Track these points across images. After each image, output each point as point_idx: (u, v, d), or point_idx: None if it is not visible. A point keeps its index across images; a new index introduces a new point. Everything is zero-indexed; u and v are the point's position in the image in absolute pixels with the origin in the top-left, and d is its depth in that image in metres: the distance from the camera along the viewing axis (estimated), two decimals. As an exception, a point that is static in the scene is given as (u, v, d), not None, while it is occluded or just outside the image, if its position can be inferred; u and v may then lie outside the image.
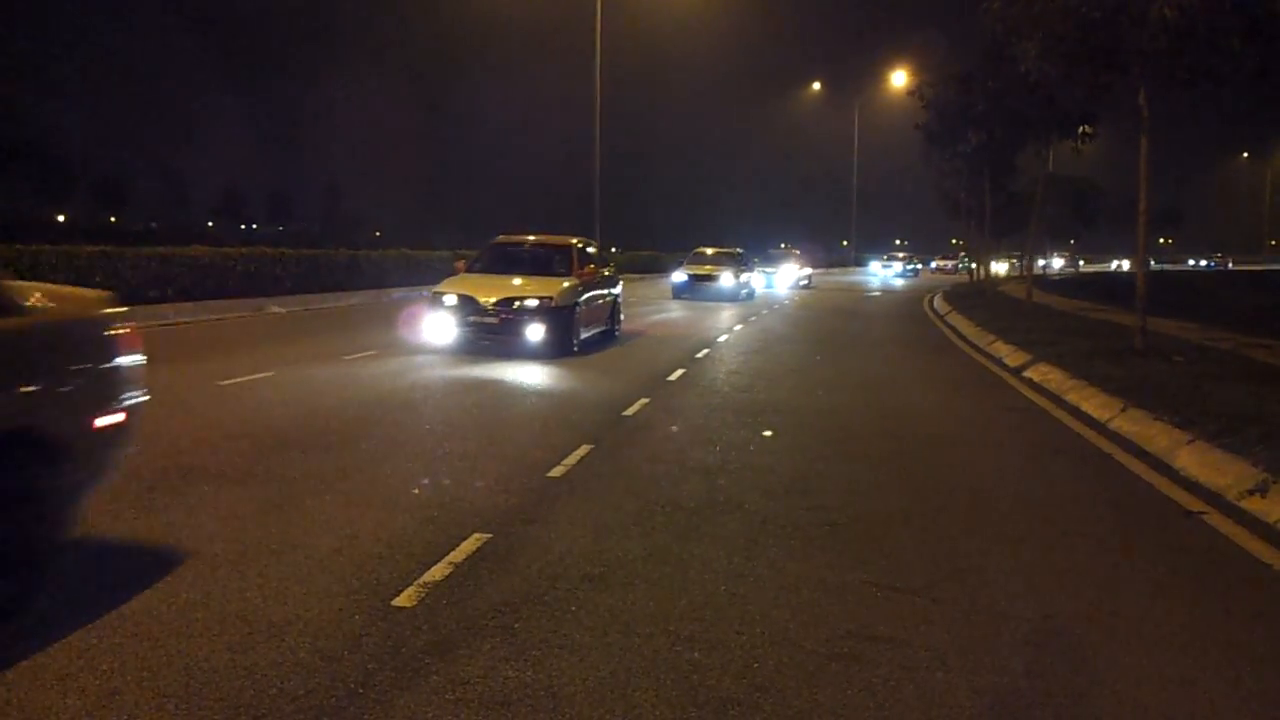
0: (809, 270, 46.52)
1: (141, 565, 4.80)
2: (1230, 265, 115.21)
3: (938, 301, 32.37)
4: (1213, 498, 6.79)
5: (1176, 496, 6.90)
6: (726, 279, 30.86)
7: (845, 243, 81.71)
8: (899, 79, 49.04)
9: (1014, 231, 45.44)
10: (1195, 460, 7.55)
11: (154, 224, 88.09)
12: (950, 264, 75.49)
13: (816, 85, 75.23)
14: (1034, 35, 13.58)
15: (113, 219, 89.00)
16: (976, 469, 7.82)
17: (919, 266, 71.66)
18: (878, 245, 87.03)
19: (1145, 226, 14.50)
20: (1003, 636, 4.32)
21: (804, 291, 40.94)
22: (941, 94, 28.58)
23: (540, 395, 10.70)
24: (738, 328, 19.82)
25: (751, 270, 34.17)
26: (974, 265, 43.78)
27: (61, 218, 79.49)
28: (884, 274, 63.03)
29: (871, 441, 8.74)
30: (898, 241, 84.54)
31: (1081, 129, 21.87)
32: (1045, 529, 6.07)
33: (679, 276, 31.63)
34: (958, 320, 23.13)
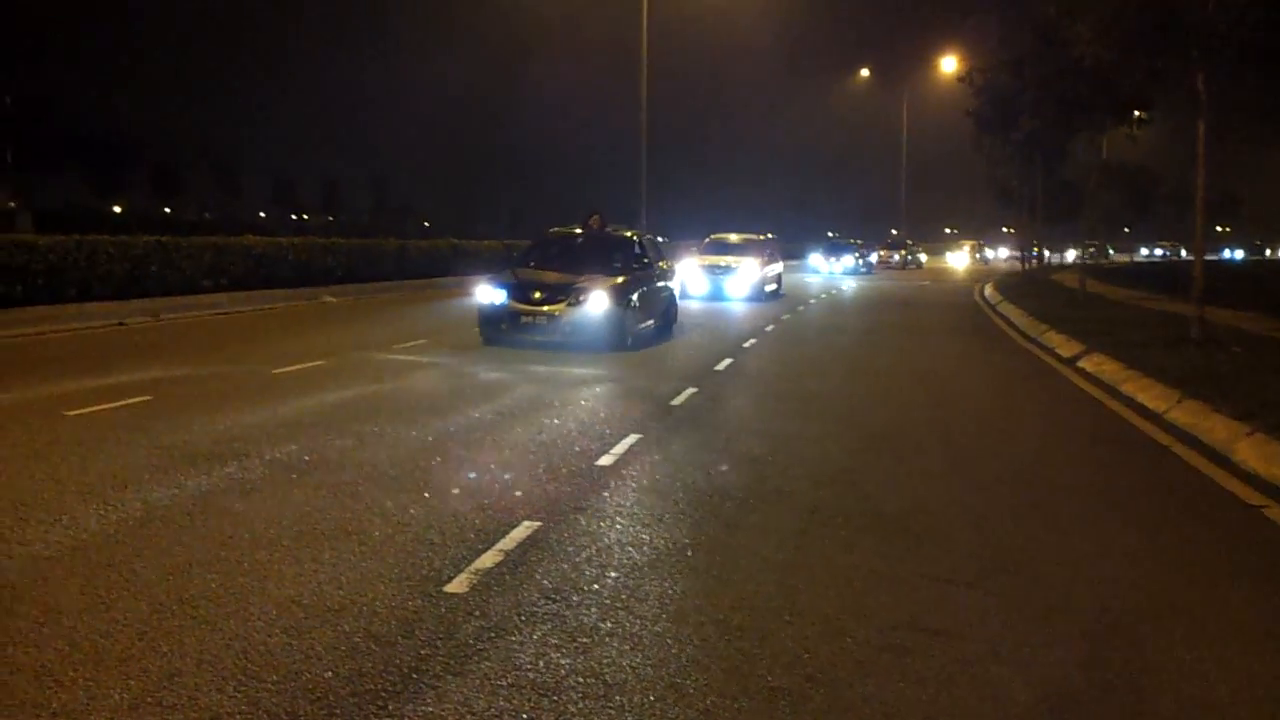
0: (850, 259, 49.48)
1: (200, 549, 4.89)
2: (1268, 253, 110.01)
3: (988, 291, 31.99)
4: (1274, 491, 6.64)
5: (1236, 490, 6.76)
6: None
7: (895, 231, 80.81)
8: (949, 65, 48.36)
9: (1067, 219, 44.73)
10: (1255, 453, 7.38)
11: (207, 214, 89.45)
12: (896, 256, 60.17)
13: (864, 72, 74.41)
14: (1088, 17, 13.34)
15: (167, 209, 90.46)
16: (1029, 459, 7.72)
17: (873, 259, 55.07)
18: (928, 233, 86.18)
19: (1202, 214, 14.20)
20: (1058, 629, 4.27)
21: (853, 279, 41.54)
22: (992, 80, 28.16)
23: (589, 385, 10.72)
24: (785, 316, 19.73)
25: (776, 261, 28.40)
26: (1032, 254, 43.11)
27: (118, 209, 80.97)
28: (829, 268, 48.61)
29: (921, 431, 8.67)
30: (830, 234, 67.05)
31: (1137, 114, 21.43)
32: (1101, 521, 5.98)
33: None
34: (1009, 310, 22.84)
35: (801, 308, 24.09)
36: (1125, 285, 32.92)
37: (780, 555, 5.11)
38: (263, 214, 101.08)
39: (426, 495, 6.00)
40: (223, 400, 8.81)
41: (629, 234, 16.25)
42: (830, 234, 54.51)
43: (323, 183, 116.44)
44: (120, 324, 14.92)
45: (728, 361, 12.96)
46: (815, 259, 50.22)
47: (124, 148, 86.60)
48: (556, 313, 13.29)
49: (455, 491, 6.12)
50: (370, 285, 24.31)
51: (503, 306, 13.48)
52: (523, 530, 5.32)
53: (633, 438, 7.80)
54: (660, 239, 26.92)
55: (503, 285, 13.80)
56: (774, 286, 27.51)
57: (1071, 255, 67.54)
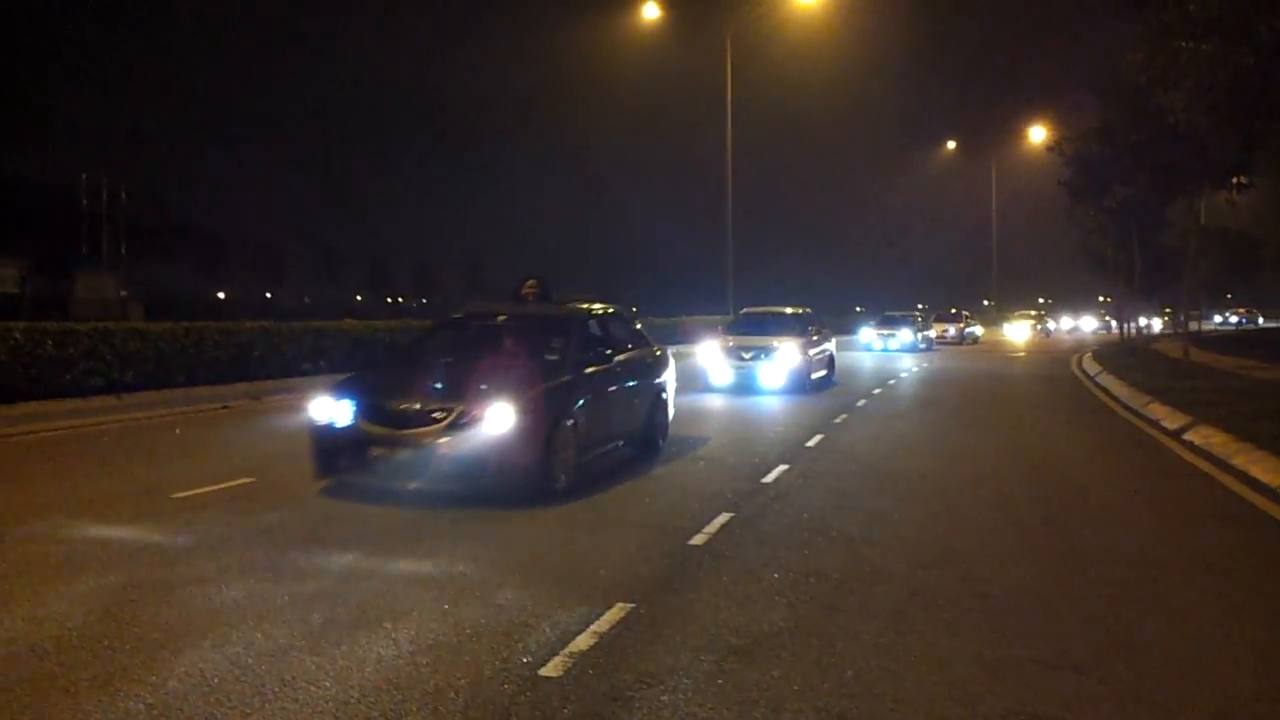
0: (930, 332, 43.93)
1: (300, 630, 4.96)
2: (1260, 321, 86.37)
3: (1087, 362, 31.20)
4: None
5: (1364, 569, 6.41)
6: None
7: (987, 301, 79.70)
8: (1037, 134, 47.98)
9: (1165, 287, 43.65)
10: (1383, 529, 7.00)
11: (307, 299, 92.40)
12: (952, 330, 49.89)
13: (951, 144, 74.30)
14: (1181, 85, 13.15)
15: (269, 294, 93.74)
16: (1137, 537, 7.43)
17: (931, 334, 44.39)
18: (1020, 302, 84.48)
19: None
20: (1178, 718, 4.07)
21: (913, 358, 35.11)
22: (1082, 148, 27.86)
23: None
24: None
25: (826, 340, 21.91)
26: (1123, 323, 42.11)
27: (222, 294, 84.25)
28: (883, 344, 39.21)
29: (1021, 508, 8.43)
30: (873, 309, 55.23)
31: (1236, 179, 20.95)
32: (1217, 602, 5.71)
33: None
34: (1109, 381, 22.23)
35: (863, 403, 17.71)
36: (1233, 353, 31.81)
37: (881, 639, 4.98)
38: (359, 297, 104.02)
39: (520, 574, 6.01)
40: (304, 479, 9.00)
41: (584, 308, 10.82)
42: (886, 312, 45.69)
43: (416, 266, 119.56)
44: (224, 407, 15.41)
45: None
46: (867, 334, 41.48)
47: (228, 236, 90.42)
48: (428, 441, 7.94)
49: (547, 571, 6.12)
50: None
51: (345, 431, 8.28)
52: (616, 612, 5.28)
53: (724, 516, 7.72)
54: (742, 312, 23.79)
55: (350, 392, 8.53)
56: (822, 372, 21.36)
57: (1158, 324, 63.34)
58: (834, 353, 22.54)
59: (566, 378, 9.07)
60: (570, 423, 8.67)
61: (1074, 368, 29.66)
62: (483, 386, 8.25)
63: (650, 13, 35.55)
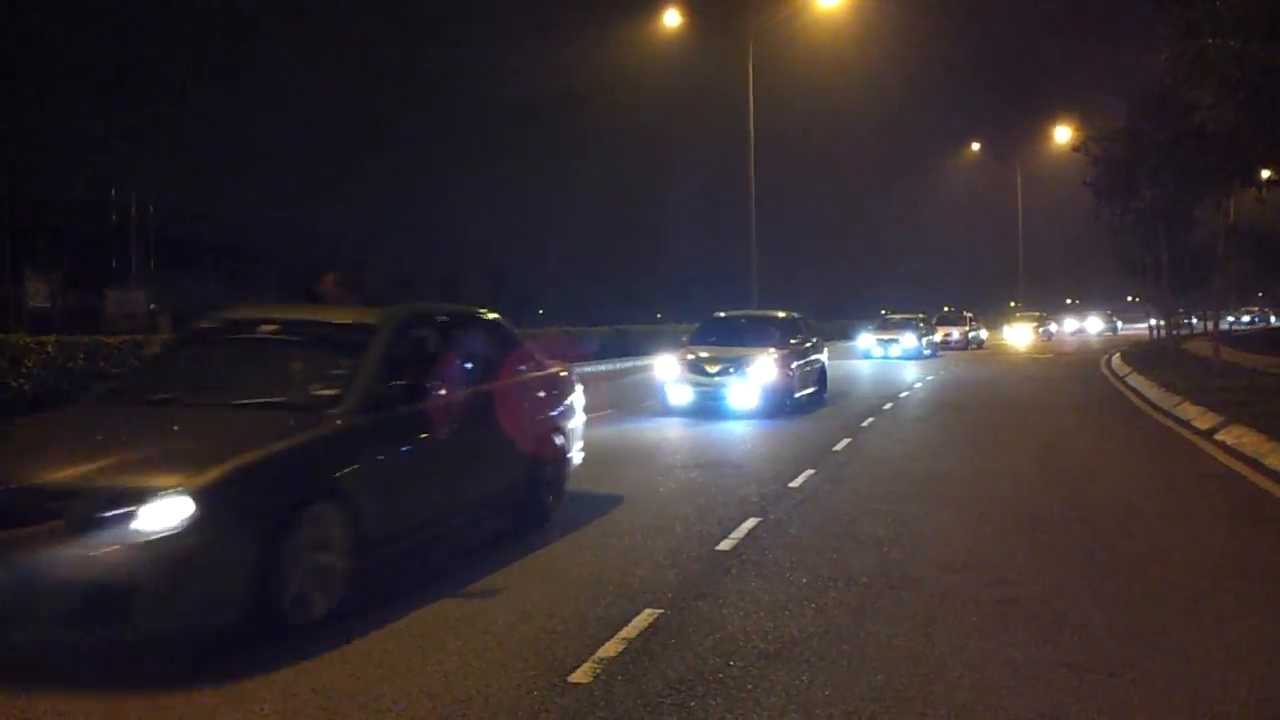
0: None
1: (327, 640, 4.99)
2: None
3: (1115, 362, 30.92)
4: None
5: (1402, 569, 6.30)
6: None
7: (1014, 303, 79.09)
8: (1062, 135, 47.60)
9: (1195, 287, 43.19)
10: None
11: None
12: (955, 334, 43.98)
13: (975, 146, 73.91)
14: (1209, 83, 13.02)
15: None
16: (1169, 539, 7.36)
17: (936, 338, 39.74)
18: (1046, 304, 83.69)
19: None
20: (1213, 723, 4.03)
21: (918, 366, 31.37)
22: (1109, 148, 27.61)
23: (702, 467, 10.65)
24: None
25: (815, 350, 18.24)
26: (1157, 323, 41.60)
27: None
28: (882, 352, 34.97)
29: (1050, 510, 8.35)
30: (883, 311, 45.42)
31: (1266, 175, 20.70)
32: (1251, 604, 5.64)
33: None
34: (1139, 381, 22.03)
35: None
36: (1262, 352, 31.43)
37: (911, 643, 4.95)
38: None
39: (546, 581, 6.03)
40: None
41: (404, 310, 7.17)
42: (883, 310, 42.38)
43: (442, 275, 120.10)
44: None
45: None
46: (865, 340, 36.93)
47: (255, 249, 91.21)
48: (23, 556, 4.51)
49: (575, 578, 6.13)
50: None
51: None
52: (645, 618, 5.29)
53: (752, 521, 7.70)
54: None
55: None
56: (810, 389, 17.32)
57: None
58: (826, 364, 18.75)
59: (331, 427, 5.62)
60: (329, 506, 5.34)
61: (1103, 368, 29.42)
62: (144, 458, 5.00)
63: (671, 20, 35.54)
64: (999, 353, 42.88)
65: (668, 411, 15.62)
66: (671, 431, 13.90)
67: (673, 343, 19.85)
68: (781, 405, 15.65)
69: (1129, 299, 79.69)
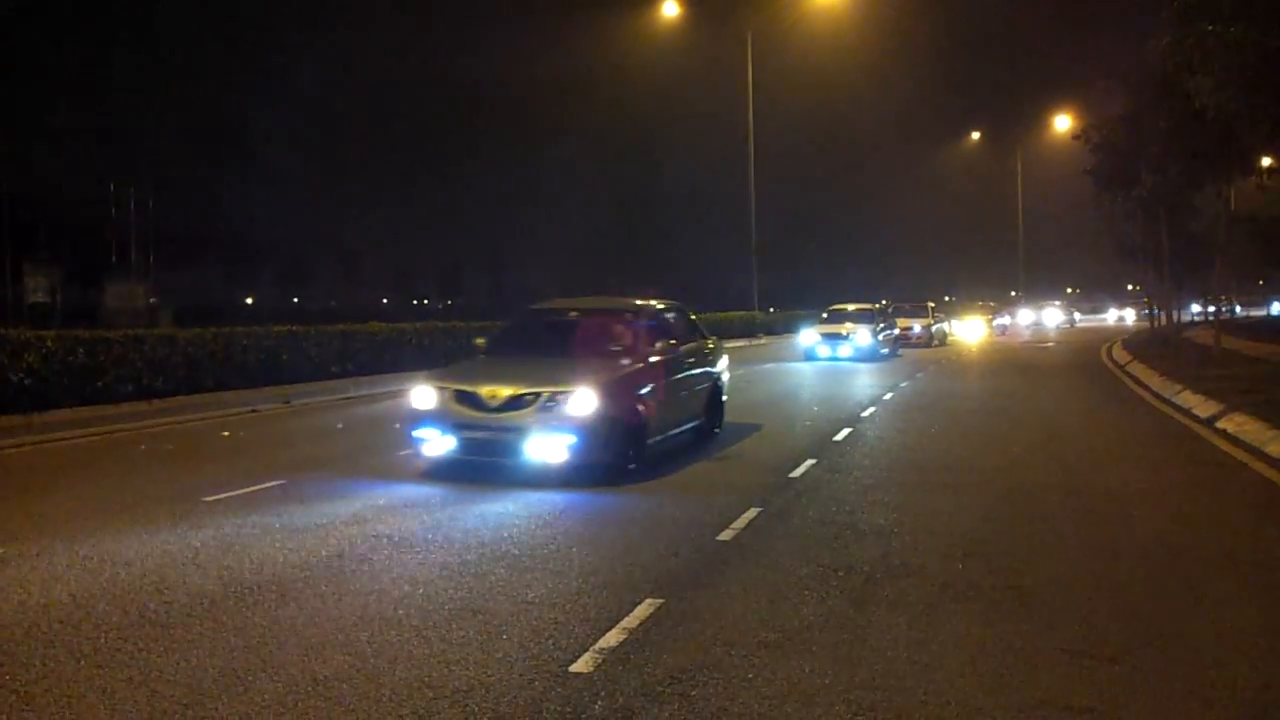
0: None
1: (332, 629, 4.99)
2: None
3: (1116, 351, 30.91)
4: None
5: (1404, 555, 6.30)
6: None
7: (1015, 292, 78.91)
8: (1063, 123, 47.50)
9: (1195, 275, 43.10)
10: None
11: (333, 302, 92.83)
12: (917, 327, 37.59)
13: (975, 135, 73.77)
14: (1208, 69, 12.99)
15: (296, 299, 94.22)
16: (1170, 527, 7.35)
17: (895, 332, 32.48)
18: (1046, 292, 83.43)
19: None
20: (1215, 708, 4.03)
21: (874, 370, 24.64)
22: (1109, 136, 27.55)
23: (701, 460, 10.64)
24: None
25: (700, 364, 11.62)
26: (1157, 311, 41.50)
27: (250, 300, 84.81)
28: (829, 351, 27.67)
29: (1052, 498, 8.35)
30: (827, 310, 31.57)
31: (1266, 163, 20.65)
32: (1252, 591, 5.65)
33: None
34: (1139, 369, 22.02)
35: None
36: (1265, 340, 31.43)
37: (912, 631, 4.95)
38: (385, 300, 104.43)
39: (547, 573, 6.02)
40: (350, 486, 9.05)
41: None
42: (827, 311, 31.37)
43: (441, 268, 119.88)
44: (253, 410, 15.52)
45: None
46: (807, 336, 29.20)
47: (255, 242, 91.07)
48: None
49: (576, 569, 6.13)
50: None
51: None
52: (645, 608, 5.29)
53: (752, 511, 7.70)
54: (770, 309, 20.82)
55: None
56: (690, 423, 11.24)
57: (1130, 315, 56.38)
58: (723, 381, 12.49)
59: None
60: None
61: (1104, 356, 29.39)
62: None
63: (669, 10, 35.46)
64: (964, 351, 36.39)
65: (407, 473, 9.68)
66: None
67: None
68: (618, 456, 9.33)
69: (1129, 287, 79.49)
